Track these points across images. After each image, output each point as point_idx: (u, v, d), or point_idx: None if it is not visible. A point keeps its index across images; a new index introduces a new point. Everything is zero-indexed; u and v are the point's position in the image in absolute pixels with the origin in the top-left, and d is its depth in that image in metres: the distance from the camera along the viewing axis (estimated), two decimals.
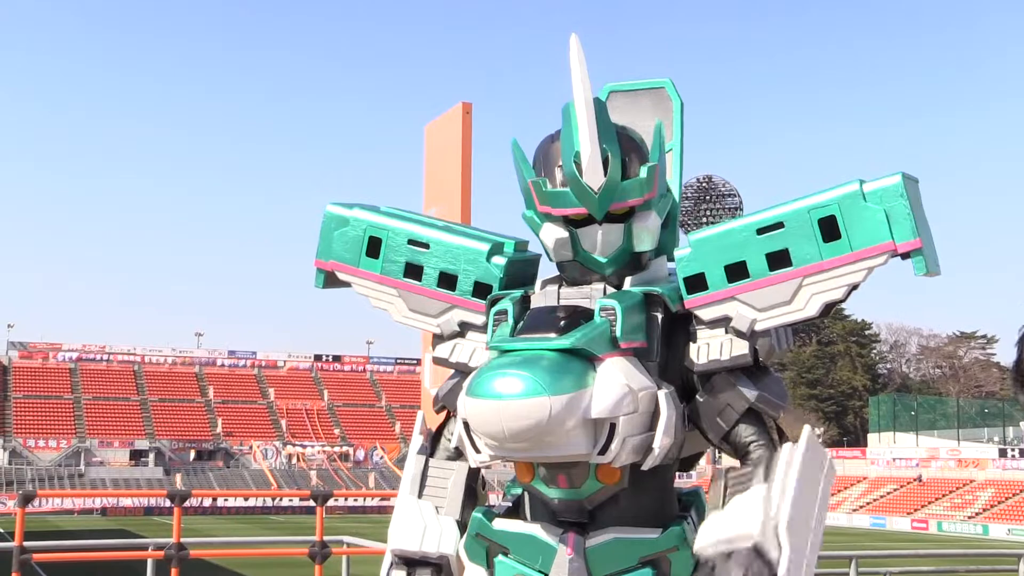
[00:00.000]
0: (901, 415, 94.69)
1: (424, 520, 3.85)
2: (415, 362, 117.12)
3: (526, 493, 3.78)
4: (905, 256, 3.40)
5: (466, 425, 3.52)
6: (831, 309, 3.55)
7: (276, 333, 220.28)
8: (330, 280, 4.24)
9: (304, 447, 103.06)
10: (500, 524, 3.74)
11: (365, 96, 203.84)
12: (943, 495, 79.57)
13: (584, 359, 3.37)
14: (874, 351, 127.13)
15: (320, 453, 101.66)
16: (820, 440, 3.66)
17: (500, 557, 3.68)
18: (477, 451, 3.53)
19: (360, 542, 12.11)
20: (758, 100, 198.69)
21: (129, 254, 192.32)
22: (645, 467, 3.43)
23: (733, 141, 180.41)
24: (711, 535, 3.42)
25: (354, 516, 67.44)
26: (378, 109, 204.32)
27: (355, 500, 77.42)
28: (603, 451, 3.33)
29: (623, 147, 3.61)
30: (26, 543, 7.15)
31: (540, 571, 3.58)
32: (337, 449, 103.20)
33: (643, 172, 3.57)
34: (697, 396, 3.62)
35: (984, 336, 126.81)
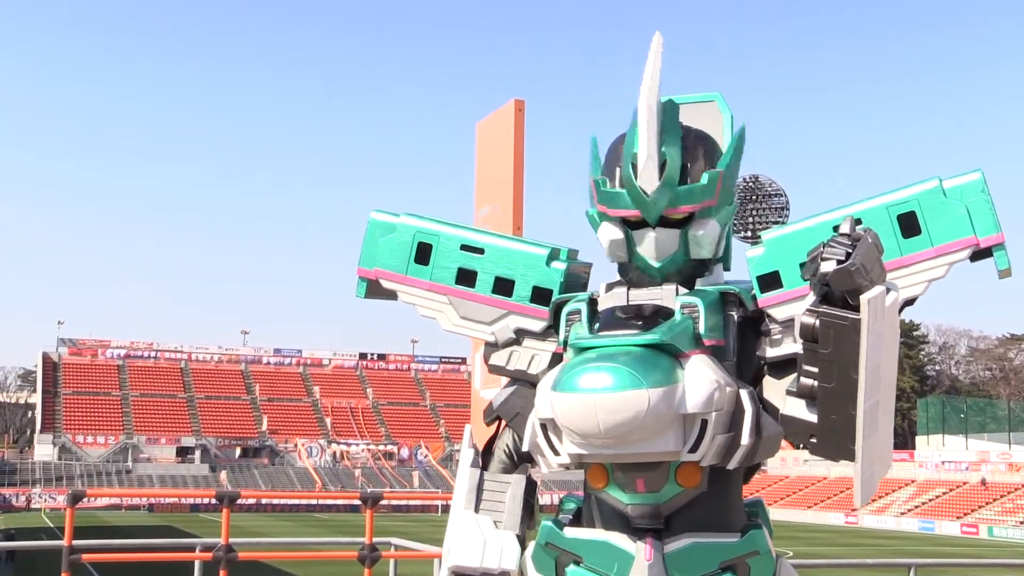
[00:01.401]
0: (950, 417, 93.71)
1: (484, 535, 3.78)
2: (459, 361, 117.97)
3: (594, 502, 3.69)
4: (985, 253, 3.39)
5: (543, 427, 3.47)
6: (907, 306, 3.50)
7: (321, 331, 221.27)
8: (372, 289, 4.18)
9: (349, 445, 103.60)
10: (572, 532, 3.67)
11: (417, 95, 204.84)
12: (994, 499, 78.58)
13: (670, 355, 3.33)
14: (923, 352, 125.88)
15: (365, 451, 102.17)
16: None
17: (571, 567, 3.60)
18: (556, 453, 3.47)
19: (408, 544, 12.03)
20: (804, 98, 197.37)
21: (177, 252, 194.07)
22: (731, 466, 3.41)
23: (781, 139, 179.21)
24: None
25: (399, 514, 67.65)
26: (430, 107, 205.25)
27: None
28: (693, 449, 3.30)
29: (688, 151, 3.56)
30: (75, 542, 7.15)
31: None
32: (381, 447, 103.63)
33: (704, 179, 3.53)
34: (767, 377, 3.59)
35: None
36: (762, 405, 3.51)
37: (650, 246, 3.58)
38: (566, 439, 3.40)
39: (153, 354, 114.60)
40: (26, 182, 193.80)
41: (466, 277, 3.93)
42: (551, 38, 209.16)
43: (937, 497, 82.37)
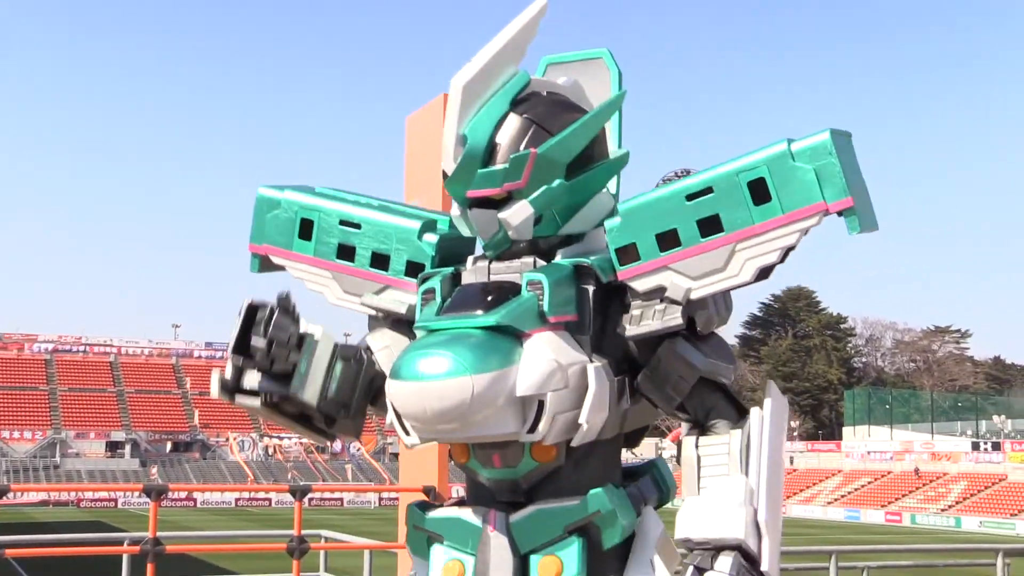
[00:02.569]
0: (876, 409, 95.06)
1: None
2: None
3: (468, 479, 3.74)
4: (839, 215, 3.33)
5: (395, 408, 3.48)
6: (767, 274, 3.46)
7: None
8: (265, 264, 4.22)
9: (281, 439, 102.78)
10: (433, 512, 3.73)
11: (346, 88, 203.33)
12: (916, 488, 79.94)
13: (512, 336, 3.34)
14: (849, 345, 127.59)
15: (297, 445, 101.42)
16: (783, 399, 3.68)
17: (435, 545, 3.67)
18: (408, 433, 3.51)
19: (338, 536, 12.05)
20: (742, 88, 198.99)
21: (106, 244, 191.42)
22: (575, 443, 3.40)
23: (718, 133, 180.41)
24: (695, 529, 3.42)
25: (332, 508, 67.42)
26: (359, 101, 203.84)
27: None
28: (532, 429, 3.31)
29: (505, 130, 3.54)
30: (0, 538, 7.01)
31: (471, 553, 3.55)
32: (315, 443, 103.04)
33: (510, 162, 3.50)
34: (644, 370, 3.56)
35: (958, 330, 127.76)
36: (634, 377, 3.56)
37: (472, 226, 3.63)
38: (408, 424, 3.45)
39: (82, 348, 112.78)
40: None
41: (346, 252, 3.95)
42: (480, 31, 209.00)
43: (863, 486, 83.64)
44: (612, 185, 3.94)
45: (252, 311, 3.69)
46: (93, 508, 71.17)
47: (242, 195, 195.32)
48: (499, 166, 3.50)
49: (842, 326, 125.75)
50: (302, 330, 3.79)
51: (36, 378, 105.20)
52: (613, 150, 3.88)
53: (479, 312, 3.39)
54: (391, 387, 3.37)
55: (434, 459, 9.13)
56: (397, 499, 13.09)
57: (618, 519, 3.42)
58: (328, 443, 4.34)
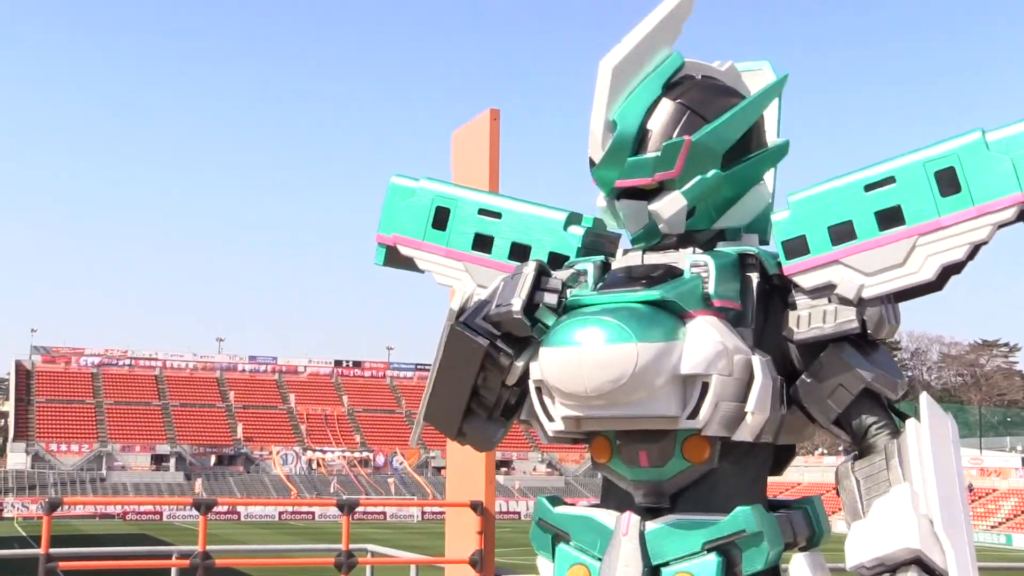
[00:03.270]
0: None
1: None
2: None
3: (606, 481, 3.50)
4: None
5: (538, 391, 3.31)
6: (951, 274, 3.21)
7: (297, 338, 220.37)
8: (391, 256, 4.04)
9: (324, 452, 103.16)
10: (561, 509, 3.52)
11: (393, 104, 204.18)
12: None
13: (673, 314, 3.14)
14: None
15: (340, 459, 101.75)
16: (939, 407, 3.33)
17: (561, 545, 3.46)
18: (551, 419, 3.30)
19: (384, 550, 12.06)
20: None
21: (152, 259, 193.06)
22: (736, 437, 3.16)
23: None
24: (865, 552, 3.09)
25: (375, 522, 67.52)
26: (406, 117, 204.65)
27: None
28: (693, 415, 3.10)
29: (656, 118, 3.35)
30: (52, 550, 7.12)
31: (598, 557, 3.32)
32: (357, 455, 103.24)
33: (663, 150, 3.30)
34: (803, 376, 3.29)
35: (1006, 344, 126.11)
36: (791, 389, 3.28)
37: (621, 217, 3.45)
38: (557, 401, 3.24)
39: (127, 362, 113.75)
40: None
41: (483, 243, 3.78)
42: (526, 47, 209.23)
43: None
44: (770, 178, 3.71)
45: (542, 271, 3.43)
46: (139, 521, 71.61)
47: (284, 211, 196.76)
48: (650, 154, 3.31)
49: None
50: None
51: (83, 392, 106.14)
52: (772, 139, 3.65)
53: (639, 288, 3.19)
54: (544, 356, 3.16)
55: (481, 473, 9.12)
56: (442, 513, 13.09)
57: (764, 544, 3.15)
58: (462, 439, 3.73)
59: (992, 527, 72.63)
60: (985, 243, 3.10)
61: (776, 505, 3.47)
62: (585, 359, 3.03)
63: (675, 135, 3.32)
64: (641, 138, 3.34)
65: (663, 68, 3.41)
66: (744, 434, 3.15)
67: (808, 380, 3.28)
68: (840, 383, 3.24)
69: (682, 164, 3.30)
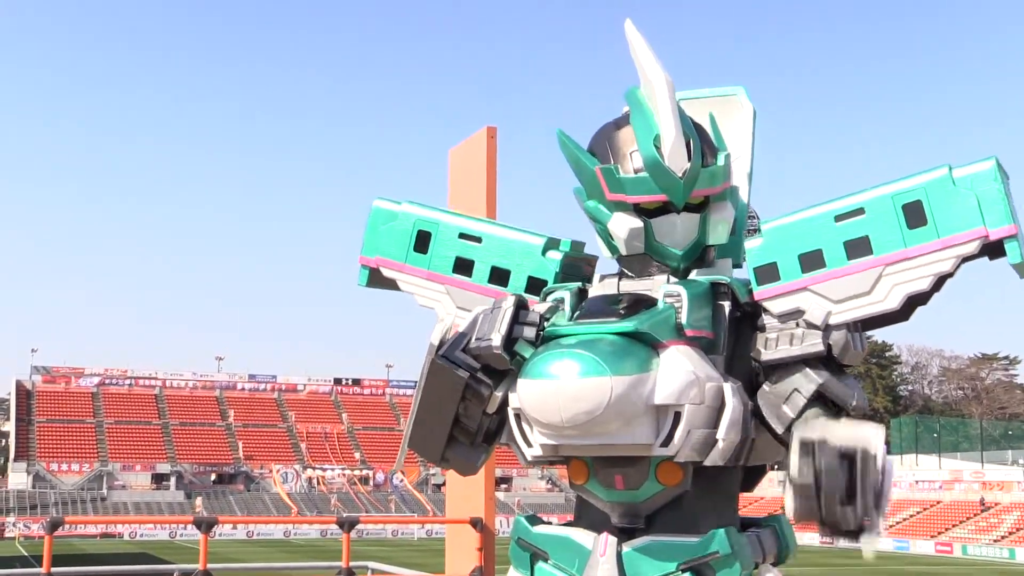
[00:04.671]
0: (923, 437, 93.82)
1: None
2: None
3: (581, 500, 3.57)
4: (995, 246, 3.12)
5: (517, 417, 3.36)
6: (916, 304, 3.27)
7: (296, 357, 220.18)
8: (374, 278, 4.11)
9: (324, 470, 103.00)
10: (540, 528, 3.58)
11: (389, 121, 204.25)
12: (967, 518, 78.74)
13: (647, 345, 3.17)
14: (895, 373, 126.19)
15: (340, 476, 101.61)
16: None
17: (539, 564, 3.52)
18: (529, 444, 3.35)
19: (385, 568, 12.05)
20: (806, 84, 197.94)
21: (150, 278, 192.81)
22: (708, 462, 3.21)
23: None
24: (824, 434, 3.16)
25: (375, 540, 67.36)
26: (402, 133, 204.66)
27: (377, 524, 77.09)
28: (666, 442, 3.14)
29: (699, 132, 3.43)
30: (54, 569, 7.14)
31: None
32: (357, 472, 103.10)
33: (720, 160, 3.39)
34: (763, 386, 3.36)
35: (1006, 357, 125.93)
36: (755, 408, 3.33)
37: (673, 232, 3.45)
38: (536, 429, 3.28)
39: (127, 381, 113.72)
40: None
41: (463, 266, 3.84)
42: (521, 65, 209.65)
43: (911, 516, 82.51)
44: (744, 195, 3.86)
45: (520, 305, 3.51)
46: (140, 540, 71.47)
47: (280, 229, 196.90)
48: (717, 165, 3.38)
49: (887, 354, 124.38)
50: None
51: (83, 411, 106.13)
52: (744, 166, 3.86)
53: (614, 319, 3.23)
54: (521, 387, 3.20)
55: (480, 490, 9.13)
56: (442, 530, 13.12)
57: (736, 564, 3.23)
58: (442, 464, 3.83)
59: (995, 541, 72.46)
60: (950, 275, 3.18)
61: (746, 523, 3.53)
62: (561, 391, 3.07)
63: (714, 149, 3.45)
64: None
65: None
66: (716, 459, 3.20)
67: (767, 389, 3.35)
68: (795, 387, 3.30)
69: (731, 175, 3.46)
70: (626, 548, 3.31)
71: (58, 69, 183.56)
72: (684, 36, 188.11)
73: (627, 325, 3.19)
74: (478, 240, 3.85)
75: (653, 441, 3.15)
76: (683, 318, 3.27)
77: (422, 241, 3.93)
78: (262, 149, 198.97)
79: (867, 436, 3.12)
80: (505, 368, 3.44)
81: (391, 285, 4.07)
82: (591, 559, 3.33)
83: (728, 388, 3.21)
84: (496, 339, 3.40)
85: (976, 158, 3.23)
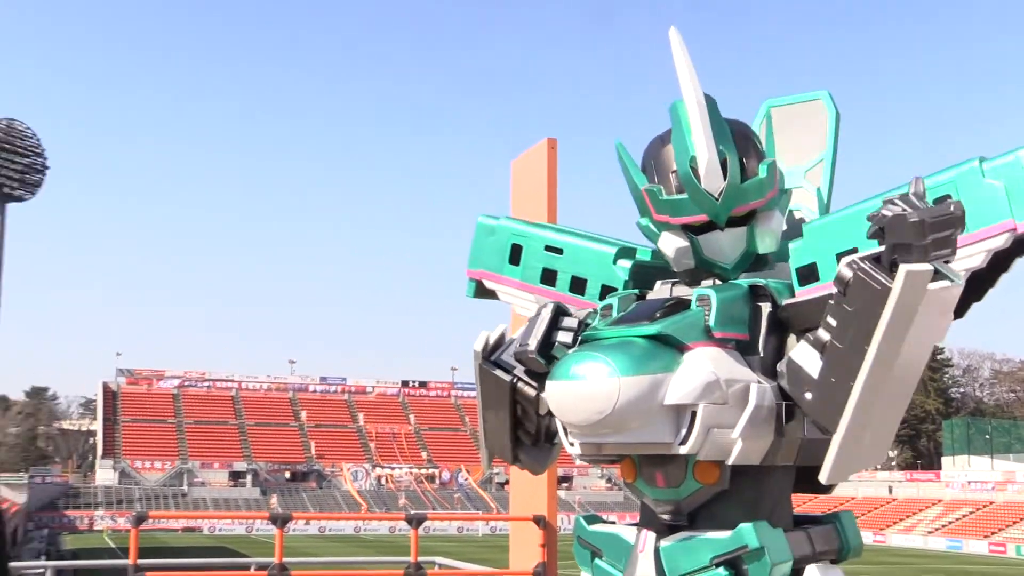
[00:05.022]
0: (975, 439, 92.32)
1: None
2: None
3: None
4: None
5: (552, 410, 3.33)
6: (965, 304, 3.17)
7: (365, 359, 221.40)
8: (480, 290, 4.18)
9: (392, 469, 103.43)
10: (595, 527, 3.59)
11: (454, 133, 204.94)
12: (1021, 518, 77.44)
13: (673, 347, 3.13)
14: (947, 375, 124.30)
15: (408, 475, 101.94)
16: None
17: (596, 560, 3.53)
18: (571, 443, 3.35)
19: (451, 563, 12.07)
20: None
21: (228, 286, 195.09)
22: (730, 462, 3.16)
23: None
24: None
25: (441, 536, 67.51)
26: (466, 145, 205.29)
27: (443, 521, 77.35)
28: (684, 441, 3.10)
29: (739, 146, 3.34)
30: (140, 561, 7.27)
31: (622, 571, 3.40)
32: (424, 471, 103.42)
33: (762, 171, 3.31)
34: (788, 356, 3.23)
35: None
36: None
37: (719, 248, 3.39)
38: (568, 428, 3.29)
39: (206, 383, 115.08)
40: (86, 220, 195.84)
41: (549, 277, 3.89)
42: (581, 77, 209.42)
43: (964, 516, 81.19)
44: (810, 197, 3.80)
45: (559, 312, 3.56)
46: (219, 534, 72.24)
47: (344, 240, 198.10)
48: (757, 178, 3.32)
49: (938, 356, 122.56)
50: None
51: (165, 411, 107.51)
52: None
53: (644, 323, 3.22)
54: (548, 387, 3.23)
55: (543, 488, 9.13)
56: (506, 527, 13.15)
57: (766, 558, 3.14)
58: (504, 463, 3.97)
59: None
60: (981, 268, 3.07)
61: (803, 521, 3.46)
62: (575, 392, 3.08)
63: (757, 158, 3.39)
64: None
65: (711, 103, 3.39)
66: (739, 458, 3.14)
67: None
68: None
69: (777, 182, 3.38)
70: (663, 544, 3.29)
71: (178, 76, 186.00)
72: (751, 38, 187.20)
73: (652, 328, 3.17)
74: (560, 252, 3.90)
75: (673, 439, 3.11)
76: (711, 320, 3.21)
77: (515, 254, 4.00)
78: (337, 163, 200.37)
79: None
80: (543, 371, 3.46)
81: (492, 295, 4.15)
82: (632, 554, 3.34)
83: (754, 388, 3.13)
84: (532, 344, 3.48)
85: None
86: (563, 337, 3.51)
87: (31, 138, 74.82)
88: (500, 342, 3.75)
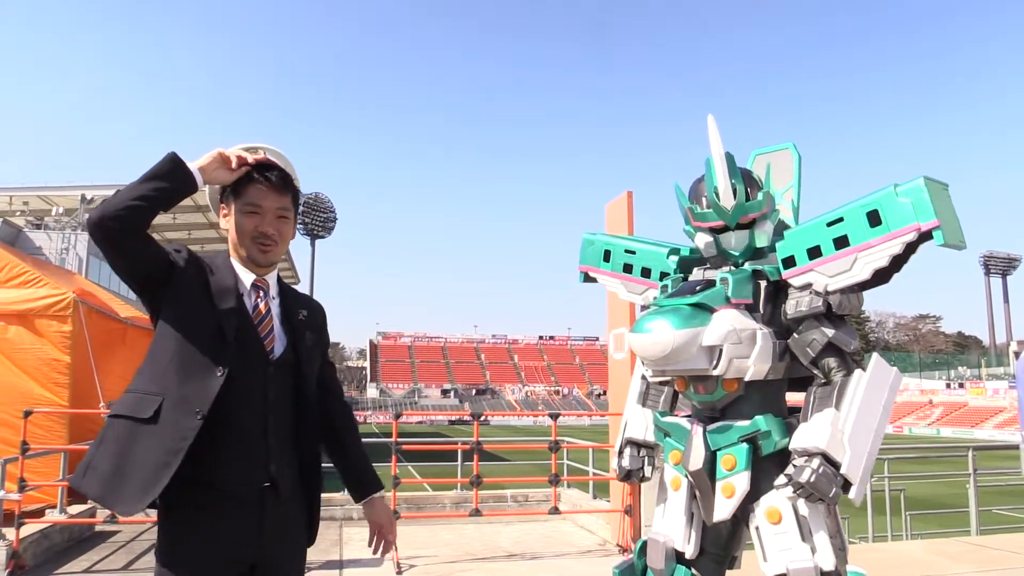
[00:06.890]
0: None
1: (646, 420, 3.60)
2: (595, 339, 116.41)
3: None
4: (926, 235, 2.85)
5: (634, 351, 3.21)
6: (881, 275, 2.99)
7: (519, 320, 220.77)
8: (586, 278, 4.03)
9: (534, 388, 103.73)
10: (666, 418, 3.45)
11: (560, 181, 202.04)
12: (911, 411, 73.91)
13: (707, 310, 3.08)
14: (866, 326, 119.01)
15: (543, 391, 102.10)
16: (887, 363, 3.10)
17: (667, 438, 3.41)
18: (651, 373, 3.25)
19: (575, 440, 12.03)
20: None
21: (444, 267, 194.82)
22: (746, 379, 3.07)
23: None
24: (797, 442, 2.99)
25: (562, 426, 67.02)
26: (569, 192, 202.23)
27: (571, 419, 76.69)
28: (716, 367, 3.03)
29: (745, 180, 3.26)
30: (397, 439, 7.45)
31: (683, 447, 3.27)
32: (553, 389, 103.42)
33: (759, 195, 3.24)
34: (794, 334, 3.16)
35: (935, 316, 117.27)
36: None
37: (731, 243, 3.29)
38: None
39: (427, 339, 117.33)
40: (357, 240, 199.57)
41: (627, 268, 3.78)
42: (657, 133, 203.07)
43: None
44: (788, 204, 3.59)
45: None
46: (436, 425, 73.45)
47: (507, 249, 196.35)
48: (755, 200, 3.24)
49: (861, 316, 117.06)
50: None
51: (404, 356, 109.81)
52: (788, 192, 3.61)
53: (688, 295, 3.15)
54: (629, 337, 3.13)
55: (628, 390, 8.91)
56: (604, 421, 12.91)
57: (772, 436, 3.08)
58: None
59: (928, 424, 67.74)
60: (899, 255, 2.93)
61: (794, 411, 3.32)
62: (648, 340, 3.00)
63: (757, 190, 3.29)
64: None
65: (730, 159, 3.34)
66: (752, 375, 3.07)
67: (796, 336, 3.16)
68: (814, 337, 3.10)
69: (769, 205, 3.29)
70: (709, 428, 3.20)
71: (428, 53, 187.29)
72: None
73: (693, 299, 3.09)
74: (634, 253, 3.79)
75: (709, 366, 3.04)
76: (729, 292, 3.14)
77: (606, 256, 3.90)
78: (481, 206, 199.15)
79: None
80: None
81: (594, 281, 4.03)
82: (688, 436, 3.24)
83: (759, 333, 3.06)
84: (641, 300, 3.57)
85: (936, 174, 2.99)
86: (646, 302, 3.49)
87: (327, 201, 76.76)
88: None
